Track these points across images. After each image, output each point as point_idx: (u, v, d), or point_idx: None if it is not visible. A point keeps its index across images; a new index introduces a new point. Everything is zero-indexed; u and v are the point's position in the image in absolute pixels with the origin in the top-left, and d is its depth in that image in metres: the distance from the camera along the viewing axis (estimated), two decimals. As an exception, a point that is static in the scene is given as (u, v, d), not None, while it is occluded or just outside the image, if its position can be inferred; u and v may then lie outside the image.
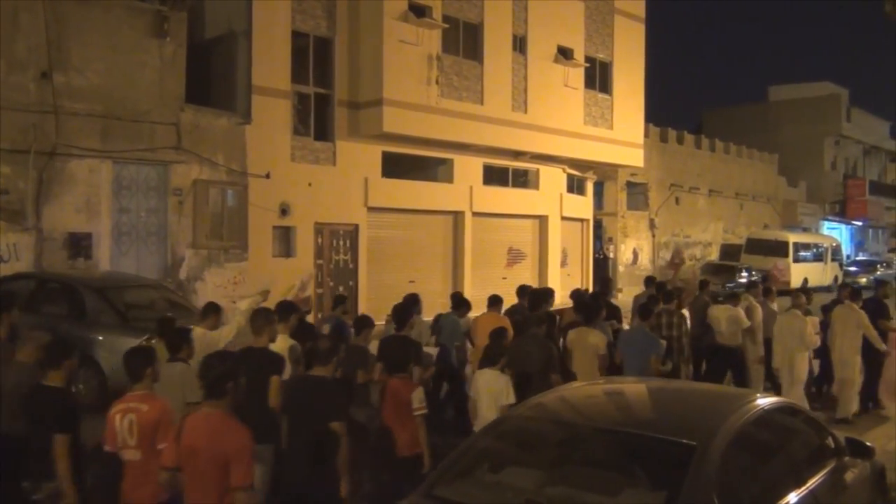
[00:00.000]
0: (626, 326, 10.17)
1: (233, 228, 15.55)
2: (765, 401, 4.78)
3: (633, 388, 5.64)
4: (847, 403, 9.99)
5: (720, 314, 10.50)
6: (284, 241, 16.74)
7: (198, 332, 6.51)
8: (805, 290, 11.11)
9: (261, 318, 6.05)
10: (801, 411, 5.23)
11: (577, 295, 11.02)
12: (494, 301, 9.19)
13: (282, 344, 6.30)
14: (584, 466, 4.26)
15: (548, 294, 9.71)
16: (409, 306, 8.15)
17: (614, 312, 10.36)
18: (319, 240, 17.35)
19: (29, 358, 5.20)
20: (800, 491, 4.38)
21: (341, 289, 17.26)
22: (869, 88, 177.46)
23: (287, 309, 6.99)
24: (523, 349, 7.17)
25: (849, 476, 5.11)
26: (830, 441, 5.18)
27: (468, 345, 9.07)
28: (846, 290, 10.88)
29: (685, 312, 10.25)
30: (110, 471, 4.52)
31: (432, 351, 8.50)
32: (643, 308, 8.71)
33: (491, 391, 6.09)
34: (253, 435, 3.99)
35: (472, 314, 9.48)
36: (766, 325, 10.49)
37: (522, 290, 10.12)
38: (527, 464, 4.38)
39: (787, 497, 4.26)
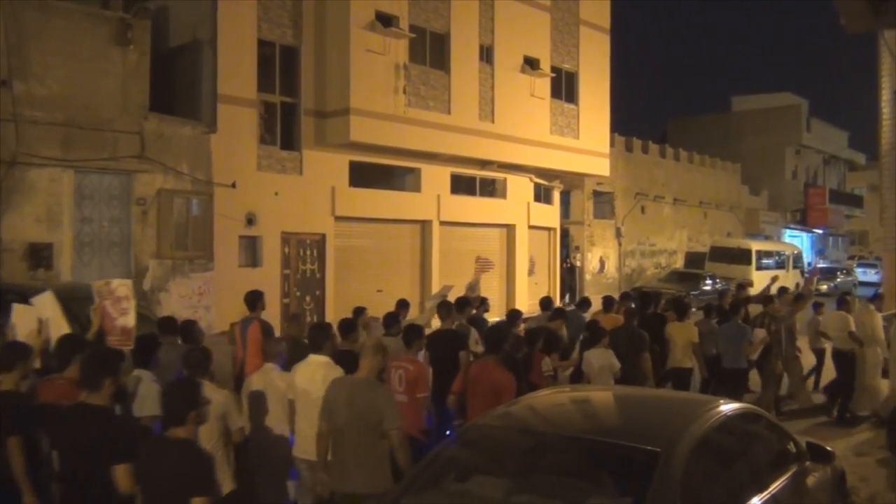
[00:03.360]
0: None
1: (198, 238, 15.39)
2: (728, 407, 4.84)
3: (599, 395, 5.68)
4: None
5: (834, 320, 11.13)
6: (251, 250, 16.60)
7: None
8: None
9: (444, 309, 8.60)
10: (763, 417, 5.30)
11: (546, 302, 11.55)
12: (609, 302, 11.10)
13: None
14: (550, 474, 4.27)
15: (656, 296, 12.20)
16: (356, 319, 8.20)
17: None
18: (286, 249, 17.23)
19: None
20: (762, 495, 4.44)
21: (308, 299, 17.15)
22: (828, 99, 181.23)
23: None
24: (621, 335, 8.89)
25: (810, 480, 5.19)
26: (792, 446, 5.26)
27: None
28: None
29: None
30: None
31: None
32: (733, 306, 10.96)
33: (601, 364, 8.00)
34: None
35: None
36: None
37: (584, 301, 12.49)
38: (493, 472, 4.37)
39: (750, 501, 4.32)
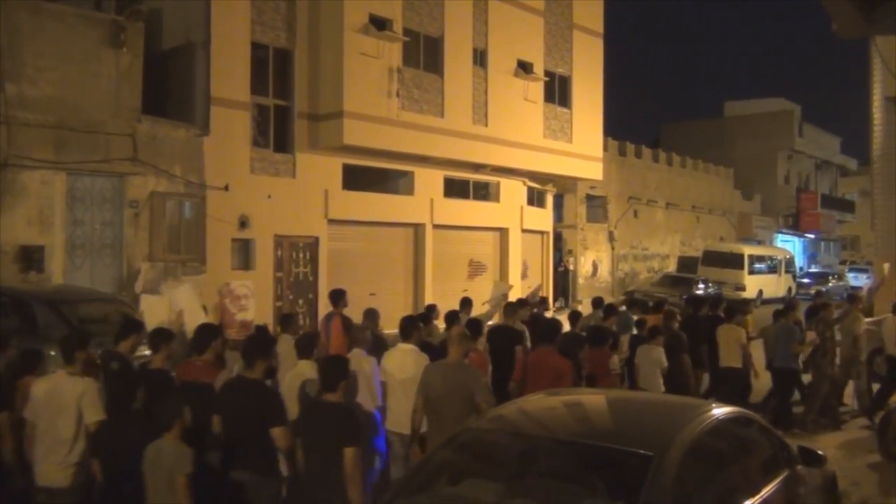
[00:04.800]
0: None
1: (190, 241, 15.34)
2: (720, 411, 4.85)
3: (592, 399, 5.68)
4: None
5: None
6: (243, 253, 16.55)
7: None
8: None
9: (509, 308, 9.63)
10: (755, 421, 5.31)
11: (598, 301, 12.22)
12: (660, 305, 12.05)
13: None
14: (542, 478, 4.27)
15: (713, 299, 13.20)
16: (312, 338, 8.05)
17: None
18: (279, 252, 17.20)
19: None
20: (754, 499, 4.45)
21: (301, 302, 17.12)
22: (820, 105, 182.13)
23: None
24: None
25: (801, 484, 5.20)
26: (784, 450, 5.27)
27: None
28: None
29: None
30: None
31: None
32: (786, 307, 11.43)
33: (650, 359, 8.78)
34: None
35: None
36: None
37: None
38: (486, 476, 4.37)
39: (741, 505, 4.33)
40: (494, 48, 21.05)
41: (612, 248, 30.97)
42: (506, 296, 11.38)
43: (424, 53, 19.17)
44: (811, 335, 10.85)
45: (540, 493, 4.10)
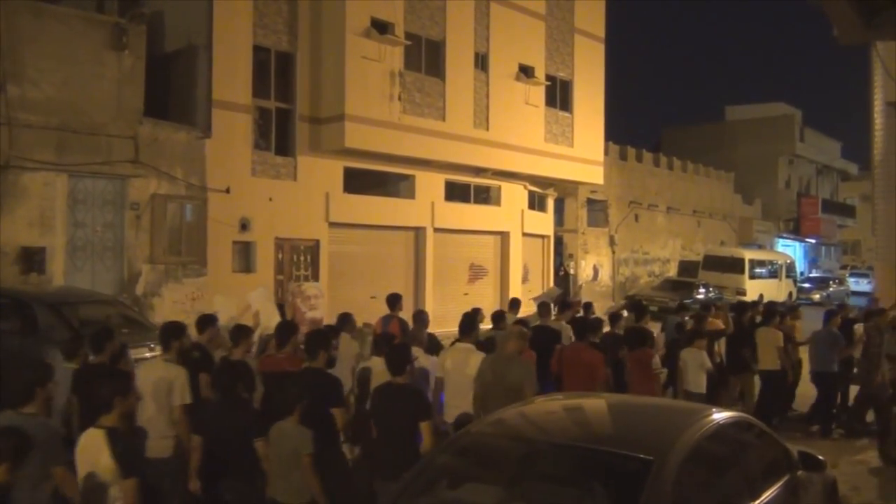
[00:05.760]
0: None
1: (191, 243, 15.35)
2: (720, 415, 4.84)
3: (592, 403, 5.67)
4: None
5: None
6: (244, 256, 16.57)
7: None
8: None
9: (543, 308, 10.32)
10: (755, 425, 5.31)
11: (636, 304, 12.87)
12: (707, 307, 12.72)
13: None
14: (542, 482, 4.27)
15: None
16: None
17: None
18: (280, 255, 17.21)
19: None
20: (754, 504, 4.44)
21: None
22: (821, 109, 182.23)
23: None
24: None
25: (802, 489, 5.20)
26: (784, 455, 5.27)
27: None
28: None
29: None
30: None
31: None
32: (829, 313, 11.55)
33: (694, 361, 9.06)
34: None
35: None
36: None
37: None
38: (486, 480, 4.37)
39: (741, 510, 4.32)
40: (496, 52, 21.08)
41: (613, 253, 30.95)
42: (553, 298, 12.32)
43: (426, 57, 19.19)
44: (859, 330, 11.01)
45: (540, 497, 4.10)
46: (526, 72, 21.94)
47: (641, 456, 4.00)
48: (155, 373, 5.98)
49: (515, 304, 11.59)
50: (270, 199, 16.72)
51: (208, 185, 15.59)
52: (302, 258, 17.64)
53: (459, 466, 4.54)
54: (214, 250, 15.72)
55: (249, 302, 11.25)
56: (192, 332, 7.15)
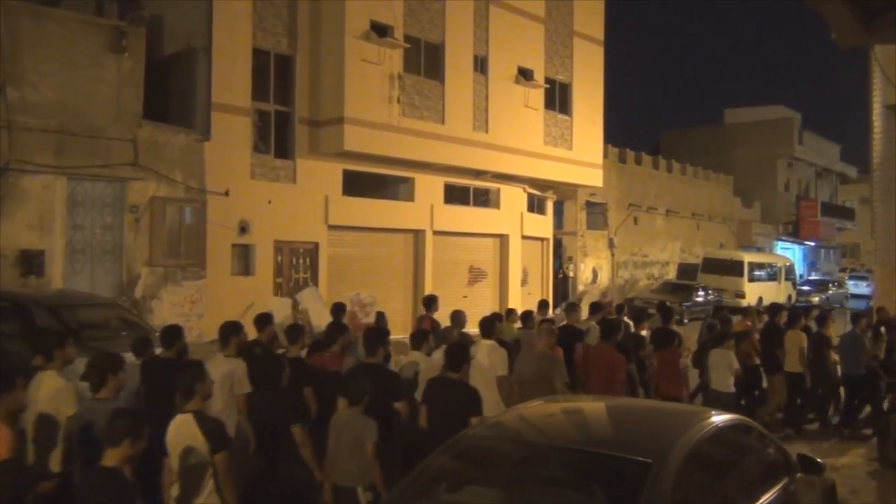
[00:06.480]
0: None
1: (190, 246, 15.35)
2: (719, 418, 4.84)
3: (591, 406, 5.68)
4: None
5: None
6: (243, 259, 16.57)
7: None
8: None
9: (570, 308, 10.99)
10: (754, 428, 5.31)
11: (662, 306, 12.62)
12: (747, 311, 13.28)
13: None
14: (541, 485, 4.26)
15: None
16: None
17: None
18: (279, 258, 17.21)
19: None
20: (753, 507, 4.44)
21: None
22: (820, 112, 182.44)
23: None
24: None
25: (801, 492, 5.19)
26: (783, 458, 5.27)
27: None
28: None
29: None
30: None
31: None
32: (854, 316, 11.79)
33: (722, 361, 9.24)
34: None
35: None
36: None
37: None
38: (485, 483, 4.37)
39: (740, 513, 4.33)
40: (495, 55, 21.10)
41: (612, 255, 30.96)
42: (580, 300, 13.13)
43: (425, 60, 19.21)
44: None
45: (539, 500, 4.10)
46: (525, 74, 21.97)
47: (640, 459, 4.00)
48: (220, 368, 6.32)
49: (544, 305, 12.32)
50: (269, 202, 16.72)
51: (207, 188, 15.59)
52: (301, 261, 17.64)
53: (459, 469, 4.53)
54: (213, 253, 15.72)
55: (298, 300, 12.40)
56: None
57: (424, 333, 7.88)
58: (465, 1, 20.28)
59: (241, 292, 15.65)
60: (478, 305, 19.60)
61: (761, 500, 4.57)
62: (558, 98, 23.43)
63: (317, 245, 17.82)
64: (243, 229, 16.30)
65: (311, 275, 17.73)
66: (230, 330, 6.77)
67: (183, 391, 4.94)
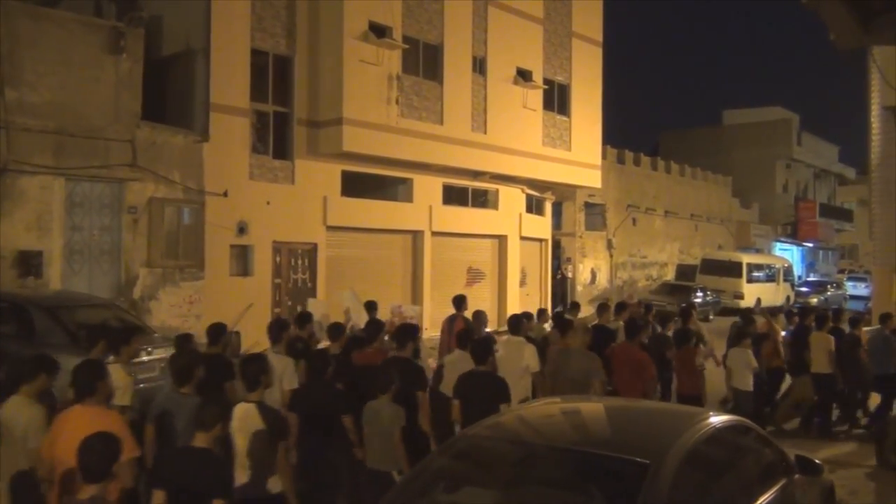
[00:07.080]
0: None
1: (189, 247, 15.33)
2: (717, 419, 4.85)
3: (589, 407, 5.68)
4: None
5: None
6: (242, 259, 16.55)
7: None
8: None
9: (602, 309, 11.06)
10: (752, 429, 5.31)
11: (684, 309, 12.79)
12: (774, 311, 13.52)
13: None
14: (539, 486, 4.26)
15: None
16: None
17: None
18: (277, 259, 17.20)
19: None
20: (751, 508, 4.44)
21: (299, 308, 17.11)
22: (819, 114, 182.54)
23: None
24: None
25: (798, 493, 5.20)
26: (781, 459, 5.27)
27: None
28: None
29: None
30: None
31: None
32: (883, 317, 11.84)
33: (741, 359, 9.54)
34: None
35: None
36: None
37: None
38: (483, 483, 4.37)
39: (738, 514, 4.32)
40: (494, 56, 21.10)
41: (611, 256, 30.97)
42: (607, 300, 13.34)
43: (424, 61, 19.21)
44: None
45: (537, 500, 4.10)
46: (524, 75, 21.97)
47: (638, 459, 4.01)
48: (272, 364, 6.56)
49: (575, 306, 13.08)
50: (268, 203, 16.71)
51: (206, 189, 15.57)
52: (300, 262, 17.62)
53: (457, 469, 4.53)
54: (212, 254, 15.70)
55: (340, 300, 12.83)
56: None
57: (468, 333, 8.24)
58: (464, 2, 20.29)
59: (239, 293, 15.62)
60: (476, 306, 19.45)
61: (759, 501, 4.58)
62: (557, 99, 23.43)
63: (315, 246, 17.80)
64: (242, 230, 16.28)
65: (310, 276, 17.72)
66: (281, 326, 7.41)
67: (248, 381, 5.32)
